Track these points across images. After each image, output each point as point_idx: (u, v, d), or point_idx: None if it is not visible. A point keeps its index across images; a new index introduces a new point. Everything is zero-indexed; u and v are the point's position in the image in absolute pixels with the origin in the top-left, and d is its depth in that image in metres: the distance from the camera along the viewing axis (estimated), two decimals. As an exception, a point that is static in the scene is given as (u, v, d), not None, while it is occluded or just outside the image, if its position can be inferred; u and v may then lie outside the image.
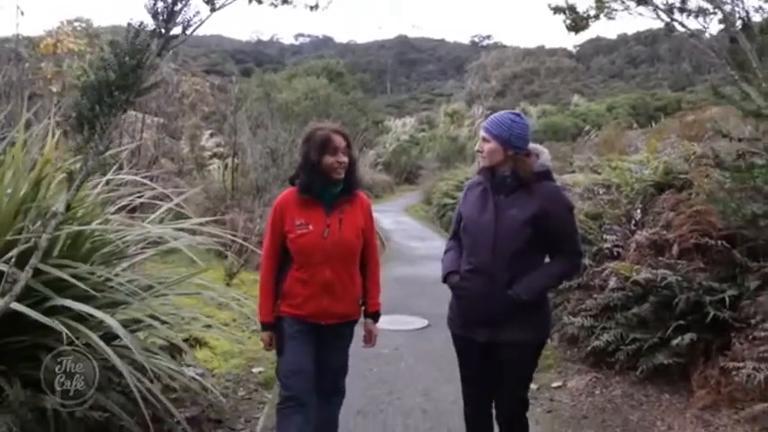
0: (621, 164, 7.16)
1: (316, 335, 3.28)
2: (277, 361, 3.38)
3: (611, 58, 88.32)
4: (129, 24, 2.92)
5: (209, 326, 4.51)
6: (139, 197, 4.80)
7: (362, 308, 3.47)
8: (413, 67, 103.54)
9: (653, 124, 16.21)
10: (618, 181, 6.71)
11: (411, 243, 14.02)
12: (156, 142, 10.72)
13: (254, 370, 5.28)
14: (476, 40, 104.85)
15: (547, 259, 3.17)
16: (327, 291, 3.24)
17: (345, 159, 3.22)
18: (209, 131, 16.27)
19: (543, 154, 3.18)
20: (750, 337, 4.20)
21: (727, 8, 2.52)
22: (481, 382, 3.27)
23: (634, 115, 38.24)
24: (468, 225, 3.21)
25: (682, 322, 4.71)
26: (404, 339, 6.30)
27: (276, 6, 3.56)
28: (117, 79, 2.89)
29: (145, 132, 10.46)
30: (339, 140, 3.22)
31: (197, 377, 4.20)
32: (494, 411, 3.29)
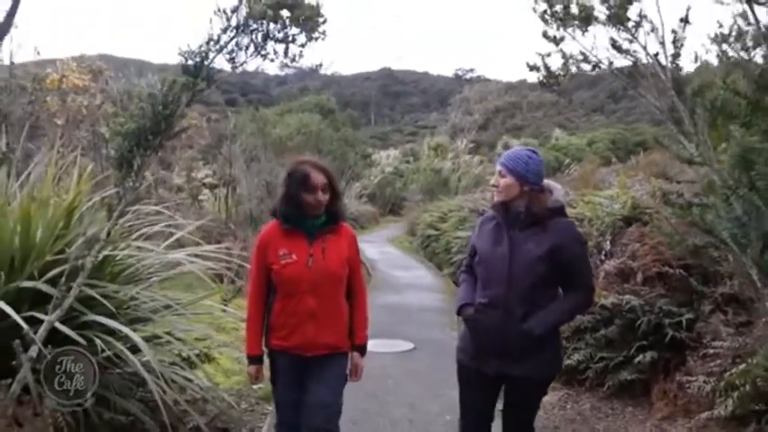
0: (594, 198, 7.72)
1: (303, 368, 3.30)
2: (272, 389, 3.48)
3: (593, 92, 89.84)
4: (164, 79, 3.44)
5: (219, 345, 4.96)
6: (152, 225, 5.26)
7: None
8: (397, 99, 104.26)
9: (632, 158, 16.77)
10: (590, 215, 7.25)
11: (396, 272, 14.44)
12: (152, 173, 11.17)
13: (255, 386, 5.70)
14: (459, 73, 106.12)
15: (560, 291, 3.20)
16: (312, 320, 3.23)
17: (323, 198, 3.23)
18: (201, 162, 16.75)
19: (557, 190, 3.22)
20: (702, 354, 4.71)
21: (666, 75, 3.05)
22: (485, 414, 3.32)
23: (614, 150, 39.14)
24: (482, 259, 3.23)
25: (644, 342, 5.24)
26: (391, 360, 6.75)
27: (287, 65, 4.06)
28: (152, 126, 3.40)
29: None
30: (319, 178, 3.22)
31: (206, 387, 4.64)
32: None
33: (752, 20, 2.47)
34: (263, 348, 3.41)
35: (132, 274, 4.51)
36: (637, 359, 5.18)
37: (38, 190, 4.39)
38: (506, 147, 32.68)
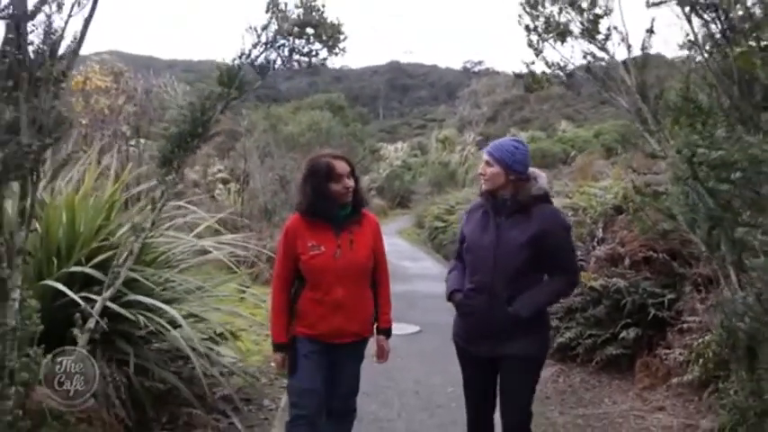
0: (589, 189, 8.22)
1: (329, 355, 3.37)
2: (288, 380, 3.46)
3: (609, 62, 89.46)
4: (203, 89, 3.95)
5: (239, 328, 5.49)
6: (177, 218, 5.78)
7: (374, 325, 3.56)
8: (405, 92, 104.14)
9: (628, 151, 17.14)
10: (584, 204, 7.74)
11: (404, 263, 14.93)
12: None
13: (273, 364, 6.22)
14: (468, 65, 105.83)
15: (545, 277, 3.29)
16: (340, 310, 3.30)
17: (351, 184, 3.32)
18: (216, 158, 17.29)
19: (541, 178, 3.30)
20: (679, 329, 5.20)
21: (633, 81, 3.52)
22: (484, 393, 3.40)
23: (621, 141, 39.40)
24: (470, 246, 3.32)
25: (629, 321, 5.74)
26: (399, 341, 7.25)
27: (308, 68, 4.53)
28: (191, 130, 3.91)
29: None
30: (342, 166, 3.31)
31: (231, 362, 5.18)
32: (496, 421, 3.41)
33: (687, 28, 2.93)
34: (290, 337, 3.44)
35: (165, 260, 5.04)
36: (622, 336, 5.69)
37: (81, 186, 4.93)
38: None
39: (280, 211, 10.88)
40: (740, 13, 2.58)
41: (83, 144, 9.20)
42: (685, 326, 5.06)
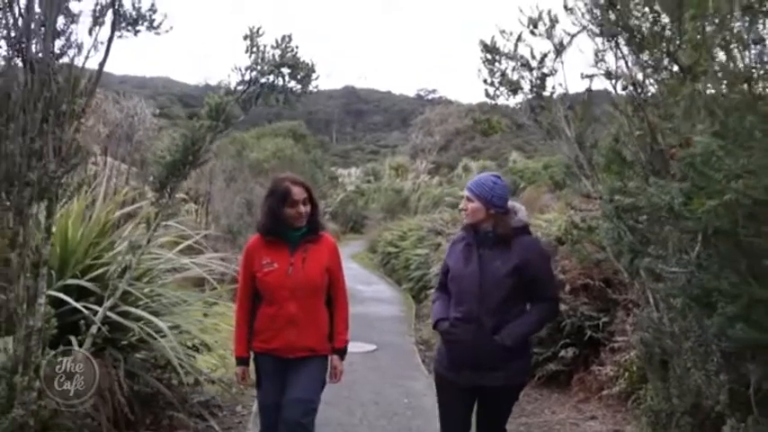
0: (536, 221, 8.89)
1: (284, 369, 3.51)
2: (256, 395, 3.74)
3: (552, 115, 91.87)
4: (194, 120, 4.45)
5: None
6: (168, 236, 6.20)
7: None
8: (359, 117, 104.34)
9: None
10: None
11: (358, 286, 15.36)
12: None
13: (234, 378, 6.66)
14: (421, 93, 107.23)
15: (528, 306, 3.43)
16: (293, 325, 3.45)
17: (304, 210, 3.49)
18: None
19: (520, 211, 3.47)
20: (610, 348, 5.85)
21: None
22: (462, 421, 3.52)
23: (569, 174, 40.64)
24: (454, 276, 3.46)
25: (568, 340, 6.36)
26: (358, 358, 7.76)
27: (284, 104, 5.06)
28: (183, 158, 4.39)
29: (114, 178, 11.71)
30: (299, 192, 3.48)
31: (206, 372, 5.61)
32: None
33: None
34: (250, 351, 3.65)
35: (150, 275, 5.47)
36: (561, 354, 6.32)
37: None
38: (466, 169, 33.87)
39: (245, 233, 11.29)
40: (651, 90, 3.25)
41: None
42: (616, 345, 5.71)
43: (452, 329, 3.39)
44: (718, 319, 2.52)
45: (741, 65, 2.36)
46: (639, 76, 3.32)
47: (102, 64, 3.85)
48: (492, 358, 3.26)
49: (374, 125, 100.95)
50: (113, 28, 3.75)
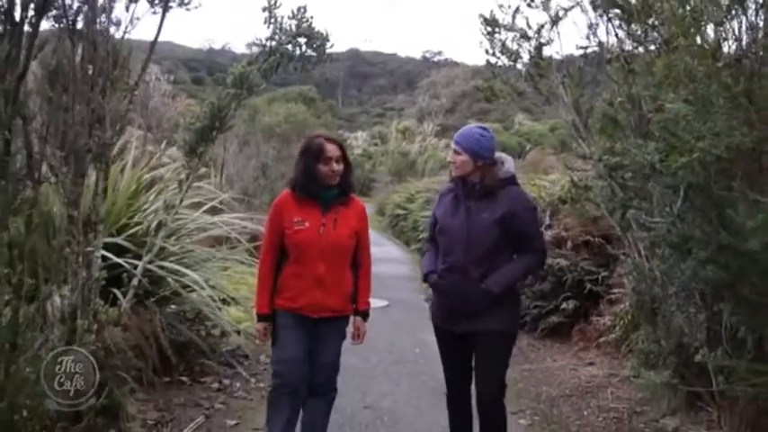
0: (539, 182, 9.26)
1: (308, 328, 3.45)
2: (272, 351, 3.61)
3: (560, 77, 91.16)
4: (221, 88, 4.81)
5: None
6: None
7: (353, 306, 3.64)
8: (364, 80, 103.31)
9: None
10: (536, 195, 8.76)
11: (370, 248, 15.84)
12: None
13: (255, 334, 7.10)
14: (427, 55, 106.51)
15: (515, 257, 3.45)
16: (319, 285, 3.40)
17: (338, 168, 3.42)
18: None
19: (507, 161, 3.46)
20: (608, 300, 6.26)
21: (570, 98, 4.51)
22: (462, 368, 3.55)
23: (569, 136, 40.67)
24: (442, 228, 3.48)
25: (569, 294, 6.79)
26: (372, 313, 7.99)
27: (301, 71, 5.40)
28: (211, 124, 4.76)
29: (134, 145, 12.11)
30: (332, 150, 3.42)
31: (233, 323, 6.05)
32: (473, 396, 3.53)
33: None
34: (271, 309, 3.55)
35: (181, 233, 5.87)
36: (563, 307, 6.75)
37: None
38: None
39: (260, 196, 11.67)
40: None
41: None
42: (613, 297, 6.12)
43: (441, 280, 3.44)
44: (691, 262, 2.90)
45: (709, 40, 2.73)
46: (628, 47, 3.67)
47: (153, 42, 4.23)
48: (481, 305, 3.29)
49: (380, 88, 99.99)
50: (163, 4, 4.07)
